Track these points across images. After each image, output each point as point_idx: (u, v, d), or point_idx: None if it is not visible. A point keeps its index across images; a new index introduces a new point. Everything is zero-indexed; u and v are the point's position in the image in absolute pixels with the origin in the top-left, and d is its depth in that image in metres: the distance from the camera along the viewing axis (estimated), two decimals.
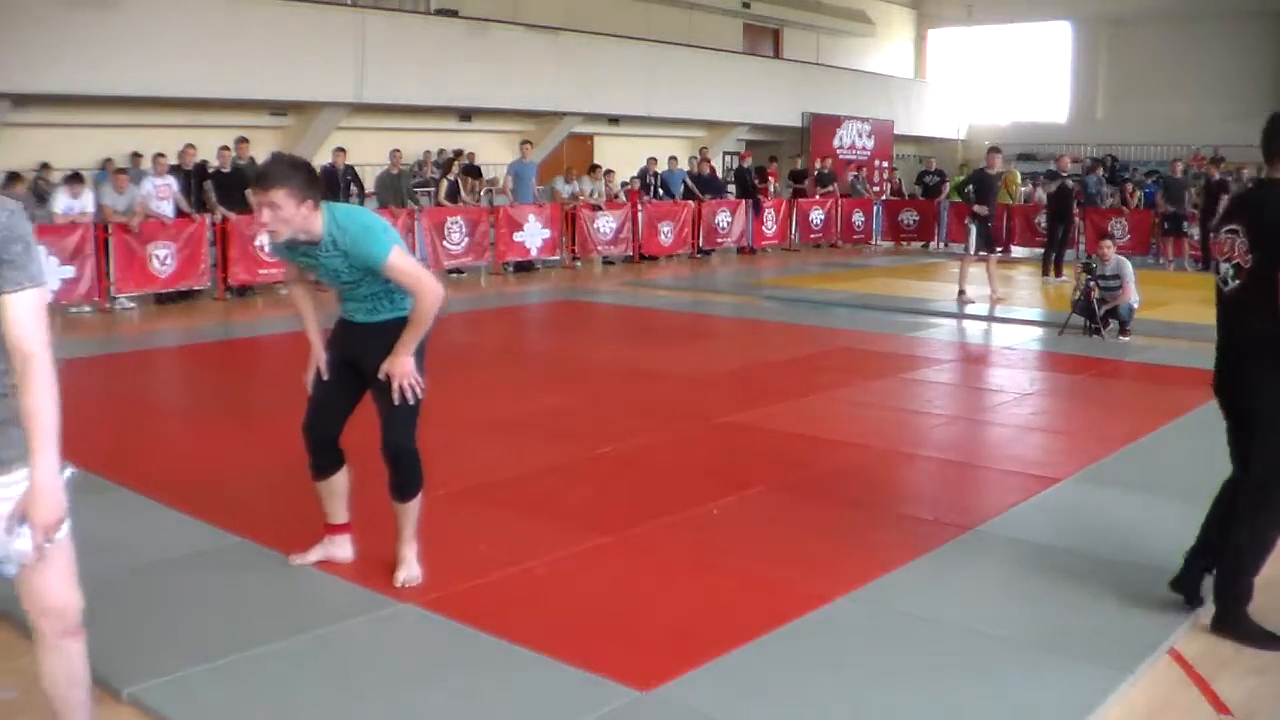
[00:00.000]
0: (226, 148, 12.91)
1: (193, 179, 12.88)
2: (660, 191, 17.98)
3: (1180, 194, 17.15)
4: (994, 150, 13.42)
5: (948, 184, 20.88)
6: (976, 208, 12.74)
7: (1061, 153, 18.14)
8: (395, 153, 14.92)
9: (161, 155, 12.90)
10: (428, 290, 3.75)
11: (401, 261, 3.74)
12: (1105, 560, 4.34)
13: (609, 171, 17.94)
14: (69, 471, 2.38)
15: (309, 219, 3.67)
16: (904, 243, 21.07)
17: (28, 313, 2.26)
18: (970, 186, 13.65)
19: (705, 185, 18.52)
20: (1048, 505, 5.13)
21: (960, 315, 11.78)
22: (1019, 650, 3.57)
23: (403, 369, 3.82)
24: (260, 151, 14.57)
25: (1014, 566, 4.37)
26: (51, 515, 2.31)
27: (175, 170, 12.99)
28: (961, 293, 12.55)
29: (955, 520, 4.86)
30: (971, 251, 12.71)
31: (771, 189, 19.91)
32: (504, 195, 15.90)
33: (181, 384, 8.68)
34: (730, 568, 4.29)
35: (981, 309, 12.00)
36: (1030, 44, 29.51)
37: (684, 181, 18.28)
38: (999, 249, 14.44)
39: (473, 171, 16.45)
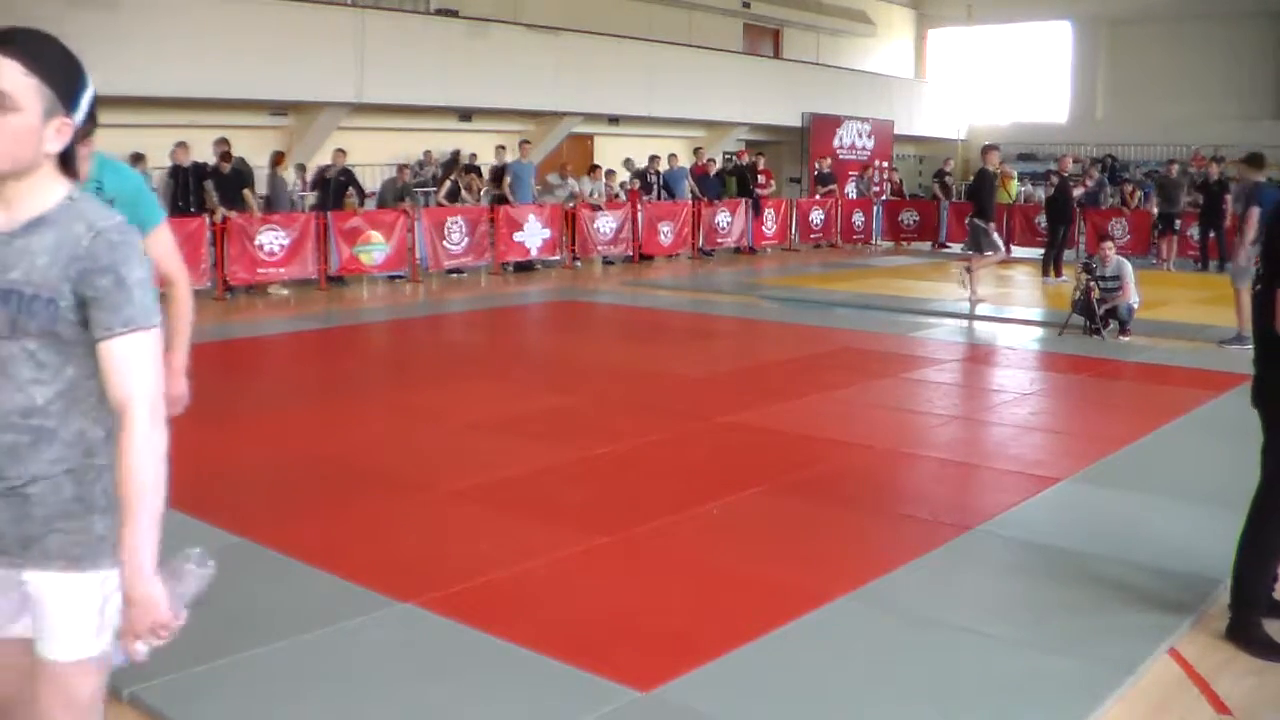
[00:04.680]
0: (226, 153, 12.90)
1: (191, 178, 12.88)
2: (663, 192, 18.00)
3: (1175, 195, 17.13)
4: (991, 148, 13.34)
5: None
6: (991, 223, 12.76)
7: (1062, 153, 18.14)
8: (404, 168, 15.03)
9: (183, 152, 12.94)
10: None
11: None
12: (1105, 560, 4.34)
13: (610, 171, 17.95)
14: (195, 553, 2.01)
15: None
16: (904, 242, 21.08)
17: (125, 364, 1.85)
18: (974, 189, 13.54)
19: (706, 186, 18.52)
20: (1048, 505, 5.13)
21: (963, 315, 11.77)
22: (1019, 650, 3.57)
23: None
24: (261, 152, 14.62)
25: (1014, 567, 4.37)
26: (146, 622, 1.88)
27: (176, 170, 12.99)
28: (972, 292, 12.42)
29: (955, 520, 4.86)
30: (1001, 252, 12.63)
31: (765, 188, 19.90)
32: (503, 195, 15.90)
33: None
34: (730, 568, 4.29)
35: (982, 309, 11.99)
36: (1030, 44, 29.49)
37: (688, 180, 18.27)
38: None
39: (473, 171, 16.46)
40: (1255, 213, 9.44)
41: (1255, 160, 10.28)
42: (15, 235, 1.84)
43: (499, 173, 15.98)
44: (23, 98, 1.78)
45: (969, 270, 12.31)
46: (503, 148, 16.63)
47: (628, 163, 18.65)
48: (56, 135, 1.84)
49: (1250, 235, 9.76)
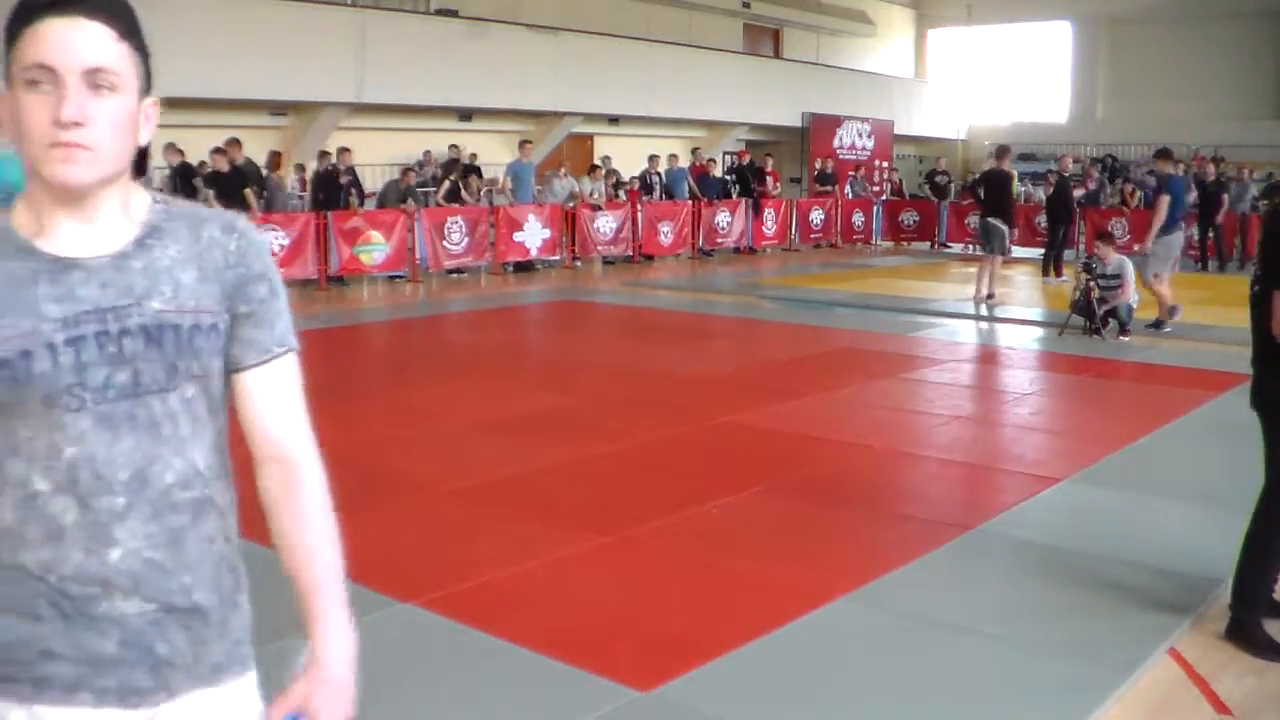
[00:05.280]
0: (221, 150, 12.90)
1: (178, 179, 12.91)
2: (665, 193, 18.01)
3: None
4: (1006, 149, 13.47)
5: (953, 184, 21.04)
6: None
7: (1062, 153, 18.14)
8: (408, 170, 15.08)
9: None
10: None
11: None
12: (1105, 560, 4.34)
13: (609, 172, 17.95)
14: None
15: None
16: (904, 243, 21.08)
17: (283, 395, 1.48)
18: (983, 187, 13.54)
19: (707, 185, 18.53)
20: (1048, 505, 5.13)
21: (964, 315, 11.77)
22: (1019, 650, 3.57)
23: None
24: (259, 152, 14.62)
25: (1013, 567, 4.37)
26: (344, 715, 1.52)
27: (185, 168, 13.00)
28: (990, 296, 12.37)
29: (955, 520, 4.86)
30: (1003, 252, 12.65)
31: (773, 189, 19.90)
32: (503, 195, 15.92)
33: None
34: (730, 568, 4.29)
35: (982, 309, 11.99)
36: (1030, 44, 29.50)
37: (688, 180, 18.31)
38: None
39: (473, 172, 16.47)
40: (1164, 200, 10.17)
41: (1165, 154, 11.28)
42: (129, 255, 1.37)
43: (467, 172, 15.99)
44: (123, 73, 1.36)
45: (986, 269, 12.42)
46: (455, 146, 16.57)
47: (605, 160, 18.57)
48: (147, 120, 1.43)
49: (1159, 222, 10.34)
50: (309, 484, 1.49)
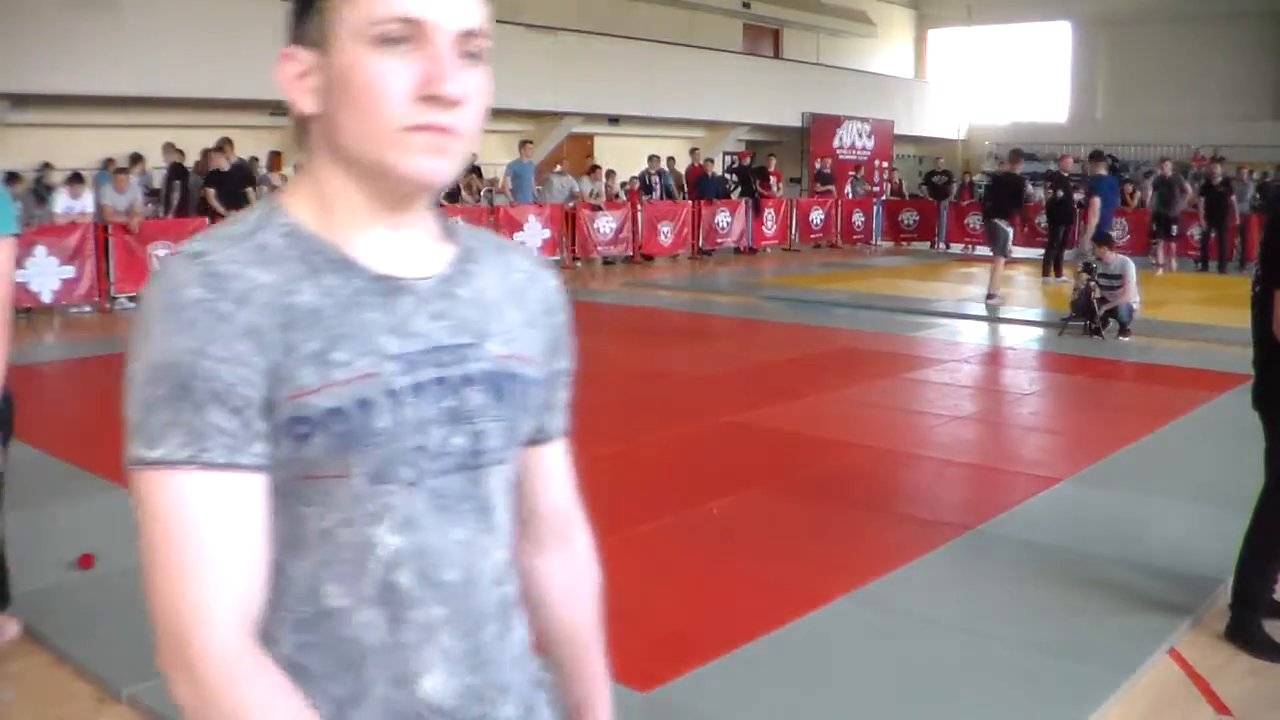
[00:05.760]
0: (220, 148, 12.88)
1: (172, 178, 12.92)
2: (666, 193, 18.02)
3: (1172, 196, 16.82)
4: (1018, 153, 13.61)
5: (954, 184, 21.06)
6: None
7: (1062, 153, 18.13)
8: None
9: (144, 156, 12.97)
10: None
11: None
12: (1105, 560, 4.34)
13: (610, 171, 17.94)
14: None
15: None
16: (904, 243, 21.09)
17: (569, 464, 1.28)
18: (994, 189, 13.60)
19: (705, 186, 18.52)
20: (1048, 505, 5.13)
21: (963, 315, 11.78)
22: (1019, 650, 3.57)
23: None
24: (259, 152, 14.63)
25: (1014, 566, 4.36)
26: None
27: (177, 169, 12.99)
28: (991, 296, 12.39)
29: (955, 520, 4.86)
30: (1006, 254, 12.71)
31: (775, 189, 19.89)
32: (503, 195, 15.92)
33: None
34: (730, 568, 4.29)
35: (980, 310, 12.00)
36: (1030, 44, 29.51)
37: (671, 180, 18.33)
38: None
39: (473, 172, 16.47)
40: (1096, 202, 10.29)
41: (1096, 156, 11.64)
42: (453, 279, 1.05)
43: (467, 172, 16.05)
44: (487, 39, 1.01)
45: (995, 269, 12.50)
46: None
47: (597, 170, 18.50)
48: None
49: (1092, 222, 10.47)
50: (593, 556, 1.34)
